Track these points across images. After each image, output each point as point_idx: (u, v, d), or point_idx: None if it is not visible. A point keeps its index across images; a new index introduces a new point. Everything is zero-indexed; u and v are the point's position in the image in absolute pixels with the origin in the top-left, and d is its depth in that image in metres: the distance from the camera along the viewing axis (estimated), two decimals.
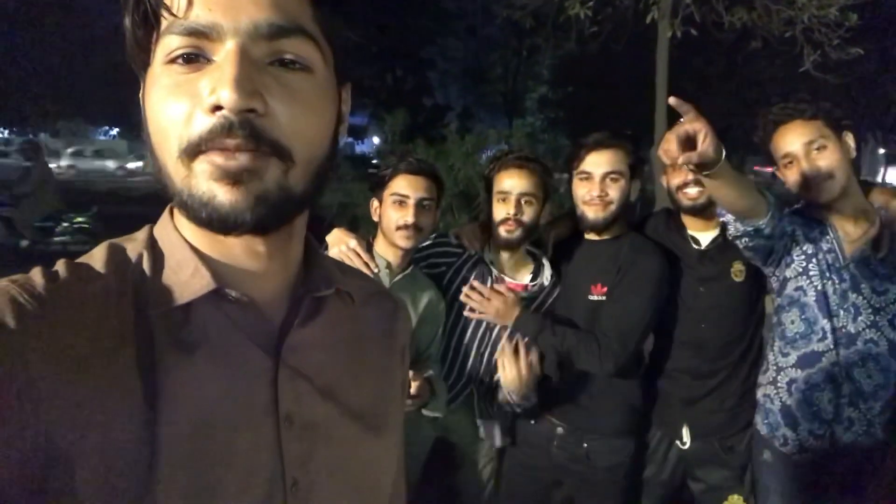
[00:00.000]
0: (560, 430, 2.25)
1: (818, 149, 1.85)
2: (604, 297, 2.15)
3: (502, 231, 2.14)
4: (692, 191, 2.18)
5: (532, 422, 2.31)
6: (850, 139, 1.90)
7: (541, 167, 2.18)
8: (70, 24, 13.36)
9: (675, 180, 2.23)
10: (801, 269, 1.97)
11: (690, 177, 2.16)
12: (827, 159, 1.84)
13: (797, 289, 1.98)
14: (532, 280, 2.24)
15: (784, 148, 1.91)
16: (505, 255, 2.23)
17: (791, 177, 1.92)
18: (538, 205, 2.16)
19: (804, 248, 1.96)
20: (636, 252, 2.17)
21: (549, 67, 18.99)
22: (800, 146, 1.87)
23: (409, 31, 20.31)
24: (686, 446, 2.25)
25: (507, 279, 2.24)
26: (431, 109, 21.08)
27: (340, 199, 6.90)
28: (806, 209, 2.04)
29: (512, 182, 2.13)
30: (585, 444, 2.20)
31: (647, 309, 2.12)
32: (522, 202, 2.13)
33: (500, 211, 2.15)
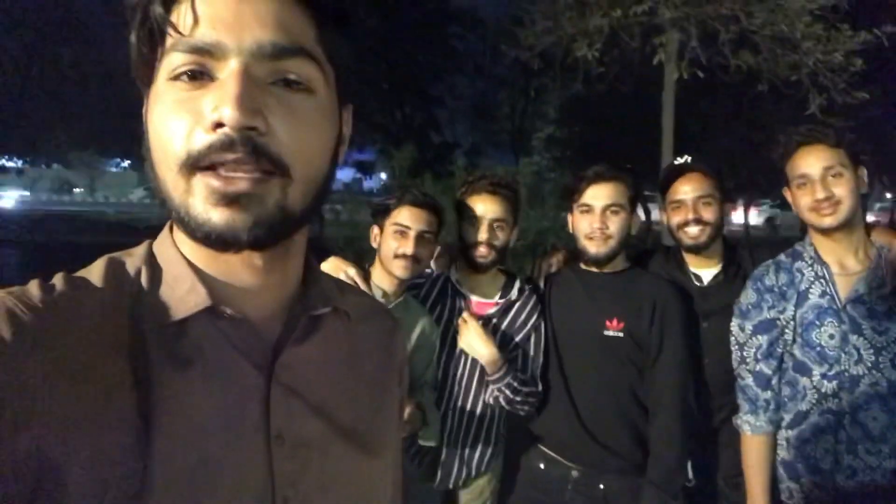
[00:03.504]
0: (575, 472, 2.18)
1: (834, 175, 1.86)
2: (621, 333, 2.12)
3: (475, 255, 2.17)
4: (693, 230, 2.19)
5: (541, 466, 2.25)
6: (863, 173, 1.92)
7: (511, 192, 2.22)
8: (84, 57, 13.63)
9: (676, 219, 2.24)
10: (777, 336, 1.99)
11: (691, 216, 2.19)
12: (841, 186, 1.85)
13: (778, 356, 1.99)
14: (501, 297, 2.25)
15: (802, 168, 1.91)
16: (473, 275, 2.25)
17: (802, 198, 1.93)
18: (509, 228, 2.21)
19: (785, 316, 1.97)
20: (657, 292, 2.15)
21: (556, 107, 19.16)
22: (818, 169, 1.87)
23: (418, 69, 20.63)
24: (691, 483, 2.21)
25: (475, 298, 2.25)
26: (439, 146, 21.26)
27: (346, 234, 6.93)
28: (801, 246, 2.03)
29: (485, 207, 2.17)
30: (602, 486, 2.14)
31: (689, 352, 2.14)
32: (495, 227, 2.17)
33: (473, 235, 2.18)
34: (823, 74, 6.56)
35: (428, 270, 2.36)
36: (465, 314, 2.17)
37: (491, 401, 2.19)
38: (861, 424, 1.84)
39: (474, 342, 2.11)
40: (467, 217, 2.20)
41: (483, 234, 2.15)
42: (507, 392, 2.10)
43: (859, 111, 7.64)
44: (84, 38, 13.60)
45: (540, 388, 2.19)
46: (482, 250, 2.16)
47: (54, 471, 0.52)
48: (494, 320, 2.21)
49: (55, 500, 0.52)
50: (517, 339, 2.22)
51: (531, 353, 2.23)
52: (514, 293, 2.25)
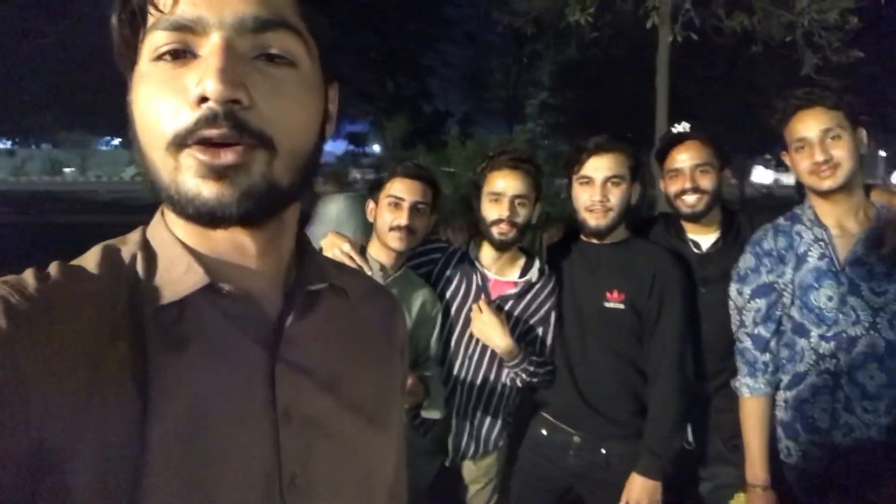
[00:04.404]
0: (577, 438, 2.20)
1: (833, 138, 1.85)
2: (622, 305, 2.12)
3: (495, 232, 2.11)
4: (690, 198, 2.18)
5: (543, 432, 2.28)
6: (863, 134, 1.91)
7: (534, 167, 2.16)
8: (71, 36, 13.42)
9: (673, 188, 2.23)
10: (776, 300, 2.00)
11: (688, 184, 2.17)
12: (840, 149, 1.84)
13: (776, 319, 2.01)
14: (521, 276, 2.21)
15: (800, 132, 1.90)
16: (492, 253, 2.20)
17: (801, 162, 1.92)
18: (531, 205, 2.15)
19: (784, 279, 1.98)
20: (657, 262, 2.14)
21: (549, 73, 19.02)
22: (817, 132, 1.86)
23: (409, 38, 20.38)
24: (691, 446, 2.24)
25: (493, 276, 2.21)
26: (432, 116, 21.11)
27: None
28: (800, 209, 2.03)
29: (506, 183, 2.10)
30: (604, 451, 2.16)
31: (688, 321, 2.14)
32: (516, 203, 2.10)
33: (493, 212, 2.11)
34: (818, 34, 6.49)
35: (444, 245, 2.32)
36: (479, 303, 2.13)
37: (508, 382, 2.21)
38: (858, 384, 1.87)
39: (490, 332, 2.09)
40: (487, 193, 2.14)
41: (504, 211, 2.08)
42: (524, 375, 2.13)
43: (855, 69, 7.59)
44: (70, 17, 13.38)
45: (555, 364, 2.21)
46: (503, 227, 2.09)
47: (56, 461, 0.52)
48: (511, 302, 2.18)
49: (57, 491, 0.52)
50: (534, 320, 2.20)
51: (549, 334, 2.22)
52: (533, 274, 2.20)
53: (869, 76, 11.56)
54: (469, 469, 2.31)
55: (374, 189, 2.15)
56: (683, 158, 2.20)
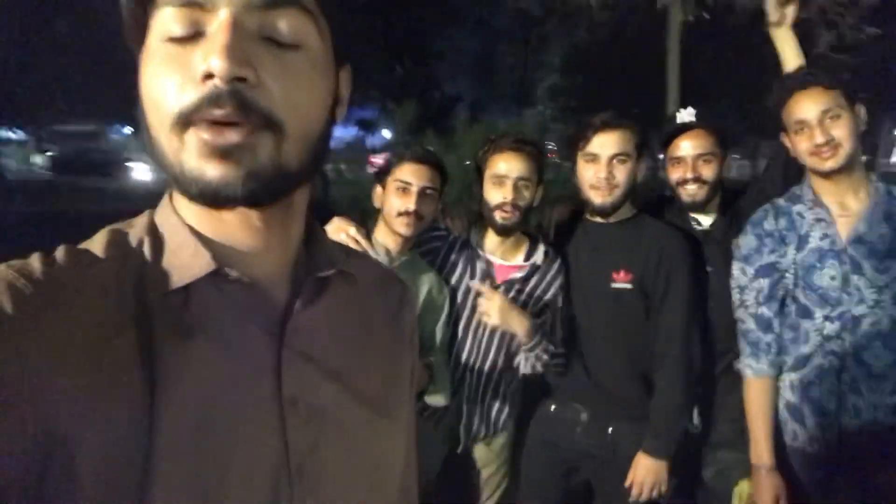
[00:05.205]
0: (584, 415, 2.20)
1: (832, 118, 1.84)
2: (629, 285, 2.10)
3: (498, 216, 2.09)
4: (691, 188, 2.20)
5: (552, 407, 2.28)
6: (862, 111, 1.89)
7: (536, 149, 2.13)
8: (82, 25, 13.45)
9: (675, 175, 2.24)
10: (778, 279, 1.98)
11: (690, 174, 2.18)
12: (839, 129, 1.83)
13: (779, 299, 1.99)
14: (525, 260, 2.19)
15: (799, 113, 1.89)
16: (495, 238, 2.18)
17: (800, 143, 1.91)
18: (534, 187, 2.12)
19: (786, 260, 1.97)
20: (664, 238, 2.13)
21: (558, 56, 18.86)
22: (816, 113, 1.85)
23: (417, 24, 20.22)
24: (697, 430, 2.24)
25: (497, 261, 2.20)
26: (441, 101, 20.96)
27: (350, 193, 6.91)
28: (799, 189, 2.02)
29: (508, 166, 2.08)
30: (610, 430, 2.17)
31: (695, 299, 2.14)
32: (520, 186, 2.08)
33: (496, 195, 2.09)
34: (833, 10, 6.40)
35: (444, 233, 2.30)
36: (487, 290, 2.08)
37: (529, 370, 2.18)
38: (864, 364, 1.86)
39: (508, 318, 2.04)
40: (490, 176, 2.12)
41: (508, 194, 2.06)
42: (545, 357, 2.10)
43: (869, 48, 7.48)
44: (80, 7, 13.39)
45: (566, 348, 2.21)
46: (506, 210, 2.07)
47: (63, 448, 0.52)
48: (518, 285, 2.16)
49: (64, 478, 0.52)
50: (542, 303, 2.19)
51: (558, 316, 2.21)
52: (538, 257, 2.17)
53: (885, 54, 11.37)
54: (482, 453, 2.31)
55: (381, 173, 2.13)
56: (686, 147, 2.20)
